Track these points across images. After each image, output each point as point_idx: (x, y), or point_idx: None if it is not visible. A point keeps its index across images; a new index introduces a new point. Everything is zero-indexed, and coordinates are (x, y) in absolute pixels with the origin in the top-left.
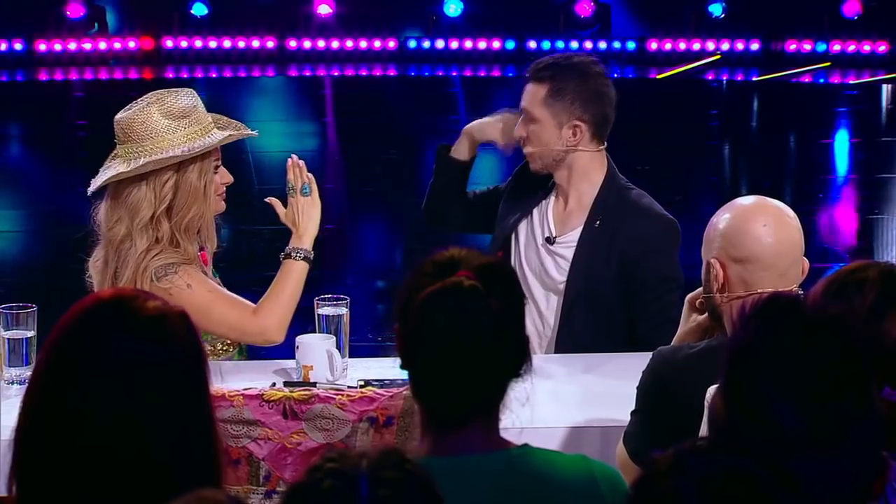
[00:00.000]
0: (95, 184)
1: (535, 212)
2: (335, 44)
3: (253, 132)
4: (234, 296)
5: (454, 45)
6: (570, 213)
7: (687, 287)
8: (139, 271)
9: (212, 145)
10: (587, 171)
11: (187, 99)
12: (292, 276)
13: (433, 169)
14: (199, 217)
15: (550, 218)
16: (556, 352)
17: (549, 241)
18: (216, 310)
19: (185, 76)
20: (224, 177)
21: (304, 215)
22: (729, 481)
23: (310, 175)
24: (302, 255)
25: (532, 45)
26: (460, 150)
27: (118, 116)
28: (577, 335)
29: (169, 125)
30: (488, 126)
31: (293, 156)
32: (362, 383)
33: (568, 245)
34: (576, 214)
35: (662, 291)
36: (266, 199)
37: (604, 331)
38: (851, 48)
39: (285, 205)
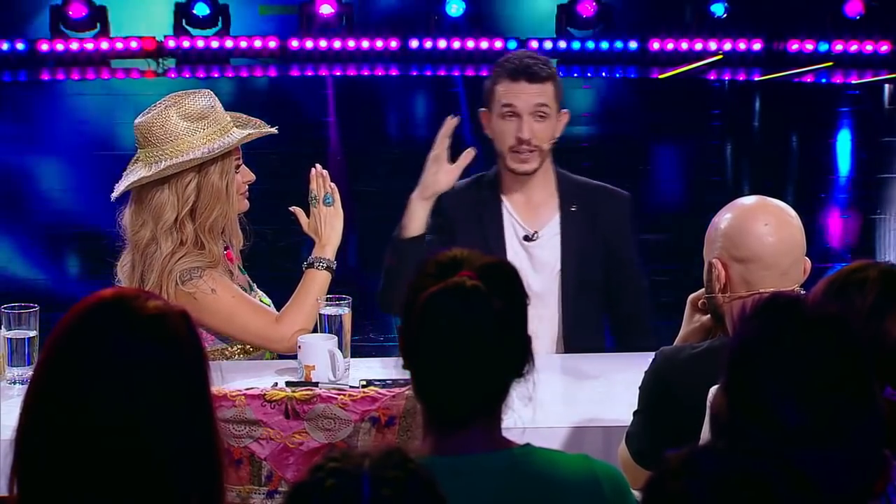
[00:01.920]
0: (118, 189)
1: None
2: (337, 44)
3: (273, 129)
4: (258, 302)
5: (456, 44)
6: (540, 206)
7: (690, 288)
8: (164, 274)
9: (231, 145)
10: (549, 160)
11: (205, 100)
12: (315, 285)
13: (388, 259)
14: (222, 217)
15: (517, 217)
16: (566, 344)
17: (528, 238)
18: (239, 316)
19: (188, 76)
20: (246, 175)
21: (327, 225)
22: (741, 482)
23: (333, 185)
24: (325, 266)
25: (534, 44)
26: (414, 225)
27: (137, 121)
28: (581, 318)
29: (188, 127)
30: (431, 178)
31: (317, 165)
32: (364, 383)
33: (551, 236)
34: (546, 205)
35: (637, 266)
36: (290, 209)
37: (602, 308)
38: (854, 48)
39: (308, 214)
